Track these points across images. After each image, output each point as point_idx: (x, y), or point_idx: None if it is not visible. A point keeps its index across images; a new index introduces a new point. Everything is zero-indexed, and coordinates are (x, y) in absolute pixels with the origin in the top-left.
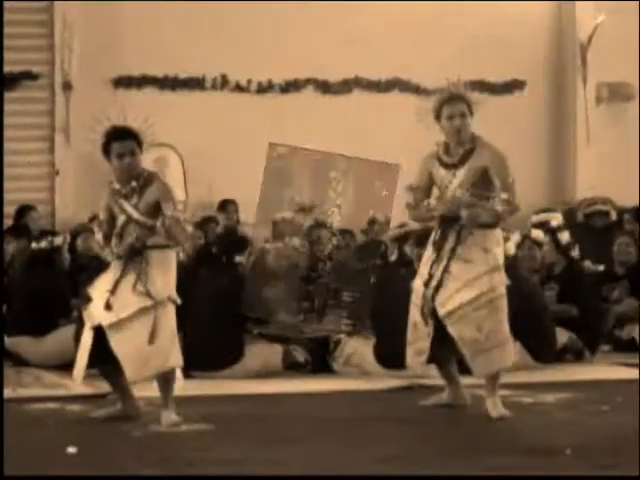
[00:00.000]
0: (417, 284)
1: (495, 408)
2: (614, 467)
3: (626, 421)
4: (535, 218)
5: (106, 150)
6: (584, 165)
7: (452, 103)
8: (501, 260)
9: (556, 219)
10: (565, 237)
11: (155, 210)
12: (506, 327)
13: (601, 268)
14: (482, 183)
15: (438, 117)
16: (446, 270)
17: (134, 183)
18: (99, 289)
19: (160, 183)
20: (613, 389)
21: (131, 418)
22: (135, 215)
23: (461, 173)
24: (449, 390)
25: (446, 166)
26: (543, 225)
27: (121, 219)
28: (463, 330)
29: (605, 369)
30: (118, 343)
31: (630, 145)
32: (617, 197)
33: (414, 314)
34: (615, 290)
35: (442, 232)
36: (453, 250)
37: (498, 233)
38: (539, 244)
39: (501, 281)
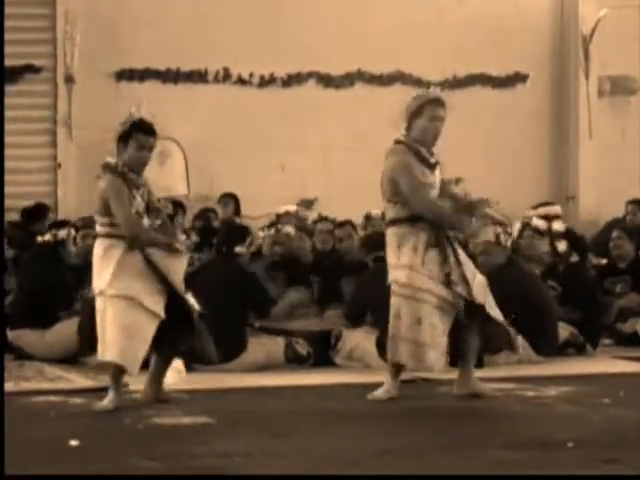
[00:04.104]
0: (431, 286)
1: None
2: (616, 461)
3: (628, 415)
4: (533, 212)
5: (125, 138)
6: (586, 158)
7: (438, 106)
8: None
9: (555, 211)
10: (558, 226)
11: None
12: None
13: (604, 262)
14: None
15: (417, 115)
16: (459, 262)
17: (143, 177)
18: None
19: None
20: (615, 383)
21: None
22: (141, 208)
23: (437, 173)
24: (393, 382)
25: (429, 166)
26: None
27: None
28: (497, 312)
29: (607, 363)
30: None
31: (632, 138)
32: (618, 190)
33: (430, 314)
34: (617, 284)
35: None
36: (452, 243)
37: None
38: (541, 233)
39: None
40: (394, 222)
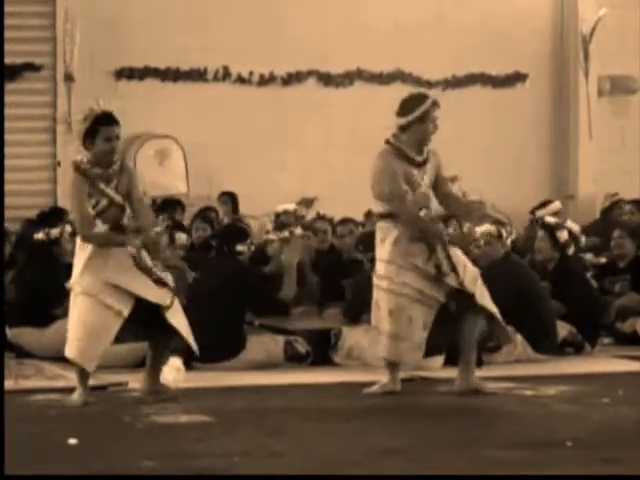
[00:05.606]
0: (410, 279)
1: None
2: (615, 459)
3: (627, 414)
4: (540, 213)
5: (92, 133)
6: (586, 158)
7: (436, 107)
8: None
9: (556, 208)
10: (564, 236)
11: (128, 195)
12: None
13: (603, 261)
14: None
15: (421, 119)
16: (447, 254)
17: (115, 167)
18: None
19: (131, 169)
20: (614, 382)
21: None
22: (117, 198)
23: (429, 170)
24: (391, 377)
25: (417, 165)
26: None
27: (103, 203)
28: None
29: (606, 362)
30: None
31: (632, 138)
32: (618, 190)
33: (409, 308)
34: (617, 283)
35: None
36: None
37: None
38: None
39: None
40: (380, 217)
